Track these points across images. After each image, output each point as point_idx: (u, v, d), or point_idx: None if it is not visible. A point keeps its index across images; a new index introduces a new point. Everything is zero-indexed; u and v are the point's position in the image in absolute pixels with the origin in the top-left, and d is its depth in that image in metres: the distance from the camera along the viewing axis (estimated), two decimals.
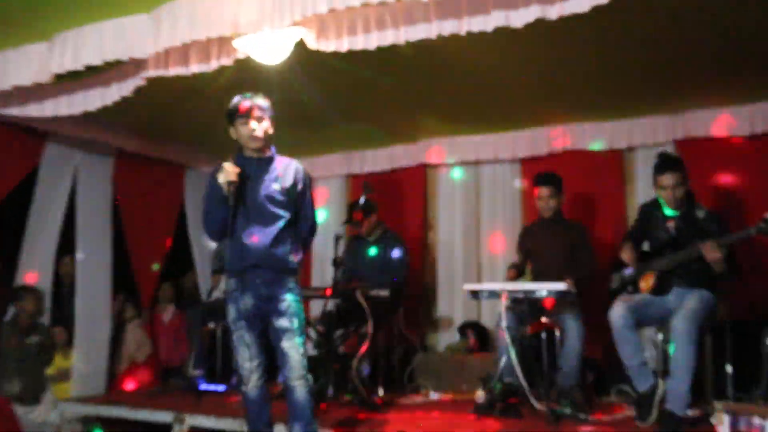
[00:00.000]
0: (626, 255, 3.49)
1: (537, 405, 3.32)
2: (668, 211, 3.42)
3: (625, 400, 3.74)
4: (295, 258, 2.79)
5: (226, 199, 2.69)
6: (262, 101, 2.80)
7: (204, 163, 5.56)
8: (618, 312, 3.24)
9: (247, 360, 2.74)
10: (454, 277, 5.23)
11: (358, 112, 4.54)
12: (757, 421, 2.81)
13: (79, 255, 4.76)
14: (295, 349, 2.69)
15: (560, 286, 3.40)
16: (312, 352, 3.86)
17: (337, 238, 3.88)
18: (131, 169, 5.08)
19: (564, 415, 3.28)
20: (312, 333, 4.10)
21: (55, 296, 4.69)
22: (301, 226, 2.88)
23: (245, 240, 2.73)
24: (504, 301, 3.46)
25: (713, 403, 3.17)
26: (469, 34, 2.74)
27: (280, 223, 2.75)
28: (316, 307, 4.75)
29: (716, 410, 2.94)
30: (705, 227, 3.27)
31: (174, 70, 3.19)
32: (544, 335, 3.64)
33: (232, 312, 2.77)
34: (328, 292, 3.79)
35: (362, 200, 4.32)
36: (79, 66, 3.13)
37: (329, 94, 4.08)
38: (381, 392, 4.08)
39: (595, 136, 4.71)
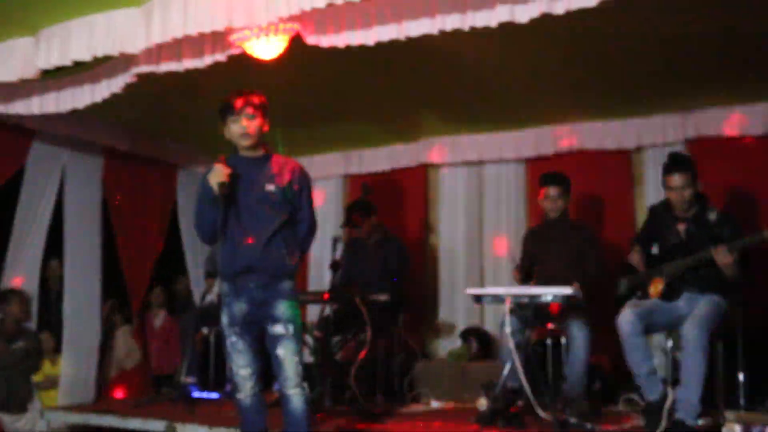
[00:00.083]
0: (634, 259, 3.45)
1: (542, 414, 3.26)
2: (678, 214, 3.38)
3: (634, 409, 3.70)
4: (291, 261, 2.73)
5: (217, 201, 2.65)
6: (254, 97, 2.73)
7: (197, 162, 5.53)
8: (626, 318, 3.21)
9: (242, 367, 2.70)
10: (456, 281, 5.19)
11: (357, 110, 4.52)
12: None
13: (67, 258, 4.71)
14: (290, 356, 2.65)
15: (567, 290, 3.35)
16: (309, 359, 3.86)
17: (335, 241, 3.91)
18: (121, 169, 5.05)
19: (570, 425, 3.23)
20: (309, 339, 4.06)
21: (42, 300, 4.67)
22: (298, 228, 2.82)
23: (238, 243, 2.69)
24: (508, 306, 3.40)
25: (724, 413, 3.17)
26: (473, 29, 2.68)
27: (275, 225, 2.70)
28: (314, 313, 4.71)
29: (727, 420, 2.92)
30: (717, 230, 3.25)
31: (166, 66, 3.16)
32: (549, 341, 3.65)
33: (225, 317, 2.73)
34: (326, 296, 3.78)
35: (361, 201, 4.27)
36: (66, 61, 3.09)
37: (326, 91, 4.06)
38: (380, 401, 4.06)
39: (603, 136, 4.68)
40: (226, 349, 2.73)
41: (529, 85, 4.01)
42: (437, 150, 5.17)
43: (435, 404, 4.18)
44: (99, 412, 4.00)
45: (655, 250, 3.53)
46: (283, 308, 2.66)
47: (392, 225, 4.82)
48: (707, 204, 3.36)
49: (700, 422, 3.04)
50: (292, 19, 2.70)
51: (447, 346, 5.05)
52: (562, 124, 4.74)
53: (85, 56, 3.02)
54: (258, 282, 2.67)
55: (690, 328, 3.01)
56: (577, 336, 3.60)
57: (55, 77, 3.39)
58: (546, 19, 2.58)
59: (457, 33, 2.73)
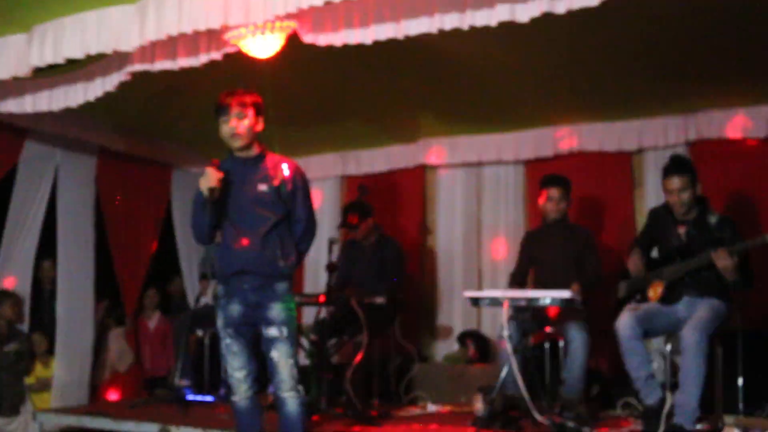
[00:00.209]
0: (633, 262, 3.43)
1: (539, 418, 3.24)
2: (678, 217, 3.35)
3: (632, 413, 3.69)
4: (285, 262, 2.70)
5: (207, 205, 2.63)
6: (245, 97, 2.69)
7: (192, 163, 5.49)
8: (625, 322, 3.20)
9: (237, 369, 2.69)
10: (453, 283, 5.16)
11: (354, 110, 4.49)
12: None
13: (60, 258, 4.68)
14: (285, 359, 2.63)
15: (565, 293, 3.34)
16: (304, 362, 3.83)
17: (331, 243, 3.84)
18: (115, 169, 5.02)
19: (567, 429, 3.20)
20: (304, 342, 4.04)
21: (35, 302, 4.65)
22: (294, 228, 2.78)
23: (232, 245, 2.68)
24: (506, 309, 3.38)
25: (723, 418, 3.20)
26: (472, 28, 2.65)
27: (268, 225, 2.68)
28: (309, 315, 4.69)
29: (726, 425, 2.97)
30: (717, 234, 3.23)
31: (160, 65, 3.13)
32: (547, 345, 3.63)
33: (220, 319, 2.73)
34: (322, 298, 3.74)
35: (358, 203, 4.26)
36: (60, 59, 3.06)
37: (323, 91, 4.03)
38: (376, 404, 4.04)
39: (603, 137, 4.65)
40: (222, 351, 2.72)
41: (528, 86, 3.99)
42: (435, 151, 5.13)
43: (432, 407, 4.15)
44: (92, 414, 3.96)
45: (655, 253, 3.52)
46: (277, 310, 2.65)
47: (389, 227, 4.80)
48: (708, 207, 3.34)
49: (699, 427, 3.04)
50: (288, 17, 2.68)
51: (444, 348, 5.04)
52: (561, 125, 4.71)
53: (79, 53, 2.99)
54: (252, 284, 2.66)
55: (689, 332, 2.99)
56: (576, 339, 3.58)
57: (48, 75, 3.36)
58: (547, 19, 2.55)
59: (456, 32, 2.70)
